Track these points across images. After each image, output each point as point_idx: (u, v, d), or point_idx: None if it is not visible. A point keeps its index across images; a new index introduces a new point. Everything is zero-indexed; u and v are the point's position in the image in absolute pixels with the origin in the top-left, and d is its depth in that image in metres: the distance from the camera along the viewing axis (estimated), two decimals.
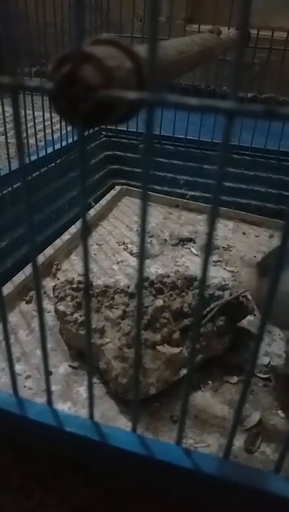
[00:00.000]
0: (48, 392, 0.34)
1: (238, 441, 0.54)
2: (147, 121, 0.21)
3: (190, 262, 0.89)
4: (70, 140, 0.96)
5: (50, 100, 0.21)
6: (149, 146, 0.22)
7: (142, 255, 0.25)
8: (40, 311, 0.29)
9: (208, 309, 0.64)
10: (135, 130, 1.12)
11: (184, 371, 0.58)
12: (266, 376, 0.63)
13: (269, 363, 0.65)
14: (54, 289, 0.67)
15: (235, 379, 0.62)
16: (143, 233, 0.25)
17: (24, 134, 0.87)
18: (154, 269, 0.85)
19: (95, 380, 0.59)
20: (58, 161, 0.94)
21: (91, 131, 1.08)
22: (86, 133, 1.03)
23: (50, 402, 0.35)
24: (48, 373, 0.33)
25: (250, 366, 0.30)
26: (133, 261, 0.87)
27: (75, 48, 0.20)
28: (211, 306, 0.64)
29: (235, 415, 0.32)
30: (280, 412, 0.58)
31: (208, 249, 0.26)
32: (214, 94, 1.52)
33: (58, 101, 0.21)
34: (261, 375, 0.63)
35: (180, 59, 0.34)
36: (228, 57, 0.88)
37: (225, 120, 0.20)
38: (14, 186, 0.78)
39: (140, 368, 0.55)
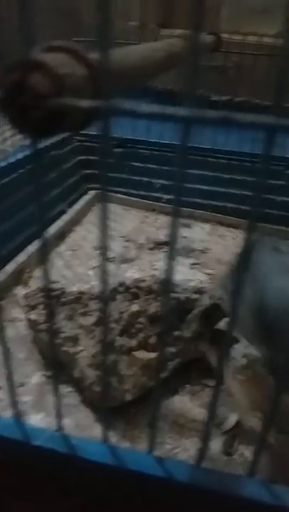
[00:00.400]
0: (15, 404, 0.33)
1: (217, 444, 0.54)
2: (103, 130, 0.20)
3: None
4: (41, 145, 0.96)
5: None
6: (107, 154, 0.21)
7: (105, 268, 0.25)
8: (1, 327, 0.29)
9: (190, 316, 0.63)
10: (101, 134, 1.11)
11: (163, 375, 0.58)
12: (244, 378, 0.63)
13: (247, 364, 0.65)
14: (25, 297, 0.66)
15: (213, 382, 0.62)
16: (104, 240, 0.25)
17: None
18: (130, 273, 0.85)
19: (69, 388, 0.59)
20: (29, 167, 0.93)
21: (63, 136, 1.07)
22: (57, 139, 1.02)
23: (18, 415, 0.34)
24: (13, 386, 0.32)
25: (219, 369, 0.30)
26: (109, 266, 0.86)
27: (24, 55, 0.20)
28: (194, 312, 0.64)
29: (207, 419, 0.32)
30: (258, 413, 0.58)
31: (172, 250, 0.26)
32: None
33: (7, 110, 0.20)
34: (239, 377, 0.63)
35: (143, 64, 0.34)
36: (201, 61, 0.88)
37: (183, 127, 0.20)
38: None
39: (116, 375, 0.55)
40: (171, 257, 0.26)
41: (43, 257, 0.25)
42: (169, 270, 0.27)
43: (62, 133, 1.01)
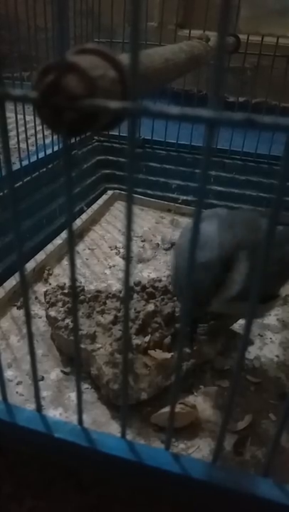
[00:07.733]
0: (37, 398, 0.34)
1: (228, 444, 0.54)
2: (130, 130, 0.21)
3: None
4: (61, 145, 0.96)
5: (34, 109, 0.21)
6: (133, 153, 0.22)
7: (128, 263, 0.26)
8: (28, 317, 0.29)
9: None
10: (127, 135, 1.12)
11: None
12: (257, 380, 0.63)
13: (260, 366, 0.65)
14: (45, 294, 0.67)
15: (227, 383, 0.62)
16: (129, 240, 0.25)
17: (16, 139, 0.87)
18: (146, 273, 0.86)
19: (86, 385, 0.59)
20: (50, 166, 0.94)
21: (82, 136, 1.09)
22: (75, 139, 1.03)
23: (39, 408, 0.35)
24: (36, 379, 0.33)
25: (236, 370, 0.31)
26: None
27: (59, 58, 0.20)
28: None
29: (223, 420, 0.32)
30: (271, 415, 0.58)
31: (193, 251, 0.26)
32: (205, 99, 1.53)
33: (42, 110, 0.21)
34: (252, 379, 0.63)
35: (166, 66, 0.35)
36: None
37: (206, 129, 0.20)
38: (5, 191, 0.78)
39: (132, 374, 0.55)
40: (192, 258, 0.27)
41: (70, 255, 0.25)
42: (190, 270, 0.27)
43: (93, 132, 1.02)
